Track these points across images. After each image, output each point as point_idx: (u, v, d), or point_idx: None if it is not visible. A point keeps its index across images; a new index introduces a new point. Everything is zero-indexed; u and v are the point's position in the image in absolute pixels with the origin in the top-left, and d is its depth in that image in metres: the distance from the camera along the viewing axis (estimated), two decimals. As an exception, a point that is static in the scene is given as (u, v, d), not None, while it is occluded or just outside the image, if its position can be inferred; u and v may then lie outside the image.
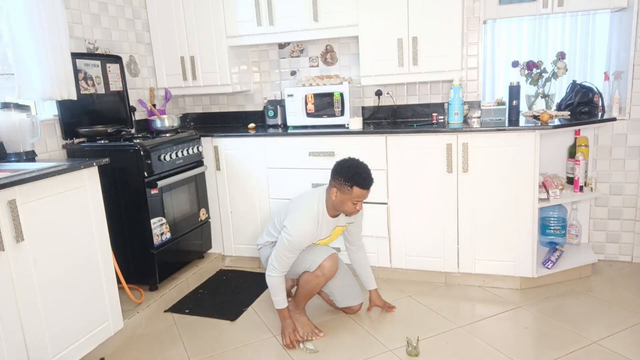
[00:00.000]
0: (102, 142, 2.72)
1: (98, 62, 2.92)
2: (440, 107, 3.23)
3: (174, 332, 2.51)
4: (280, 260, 2.25)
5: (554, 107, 3.09)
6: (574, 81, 3.05)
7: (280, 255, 2.24)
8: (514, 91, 2.81)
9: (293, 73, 3.54)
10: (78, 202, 2.09)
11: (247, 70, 3.55)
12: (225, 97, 3.76)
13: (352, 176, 2.16)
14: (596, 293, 2.67)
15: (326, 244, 2.44)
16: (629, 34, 2.78)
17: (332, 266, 2.32)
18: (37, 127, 2.38)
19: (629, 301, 2.55)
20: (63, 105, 2.66)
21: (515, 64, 3.15)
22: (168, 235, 2.80)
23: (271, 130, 3.21)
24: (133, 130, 3.13)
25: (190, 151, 2.98)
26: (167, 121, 3.07)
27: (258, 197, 3.15)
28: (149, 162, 2.63)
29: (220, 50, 3.27)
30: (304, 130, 3.00)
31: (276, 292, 2.28)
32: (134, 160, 2.60)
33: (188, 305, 2.79)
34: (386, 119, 3.35)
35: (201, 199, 3.16)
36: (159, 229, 2.72)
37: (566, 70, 3.02)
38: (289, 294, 2.73)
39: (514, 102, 2.81)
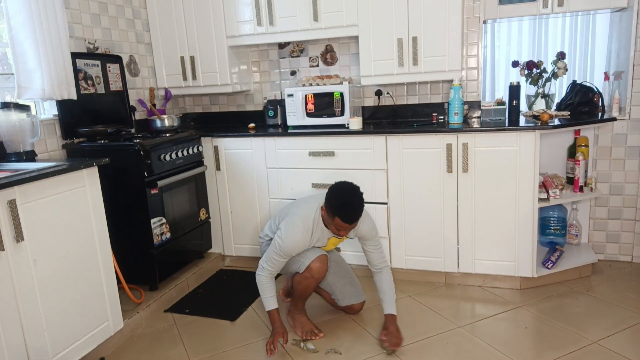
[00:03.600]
0: (102, 142, 2.72)
1: (98, 62, 2.92)
2: (440, 107, 3.23)
3: (174, 332, 2.51)
4: (270, 262, 2.26)
5: (554, 107, 3.09)
6: (574, 81, 3.04)
7: (271, 257, 2.26)
8: (514, 91, 2.80)
9: (293, 73, 3.53)
10: (78, 202, 2.09)
11: (247, 70, 3.55)
12: (225, 97, 3.76)
13: (337, 206, 2.09)
14: (596, 293, 2.67)
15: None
16: (629, 34, 2.78)
17: (320, 268, 2.30)
18: (37, 127, 2.38)
19: (629, 301, 2.55)
20: (63, 105, 2.66)
21: (515, 64, 3.14)
22: (168, 235, 2.80)
23: (271, 130, 3.20)
24: (133, 130, 3.13)
25: (190, 151, 2.98)
26: (167, 121, 3.07)
27: (258, 197, 3.15)
28: (149, 162, 2.63)
29: (220, 50, 3.27)
30: (304, 130, 3.00)
31: (264, 292, 2.28)
32: (134, 160, 2.60)
33: (188, 305, 2.79)
34: (386, 119, 3.34)
35: (201, 199, 3.16)
36: (159, 229, 2.72)
37: (566, 70, 3.02)
38: (288, 294, 2.73)
39: (514, 102, 2.81)
